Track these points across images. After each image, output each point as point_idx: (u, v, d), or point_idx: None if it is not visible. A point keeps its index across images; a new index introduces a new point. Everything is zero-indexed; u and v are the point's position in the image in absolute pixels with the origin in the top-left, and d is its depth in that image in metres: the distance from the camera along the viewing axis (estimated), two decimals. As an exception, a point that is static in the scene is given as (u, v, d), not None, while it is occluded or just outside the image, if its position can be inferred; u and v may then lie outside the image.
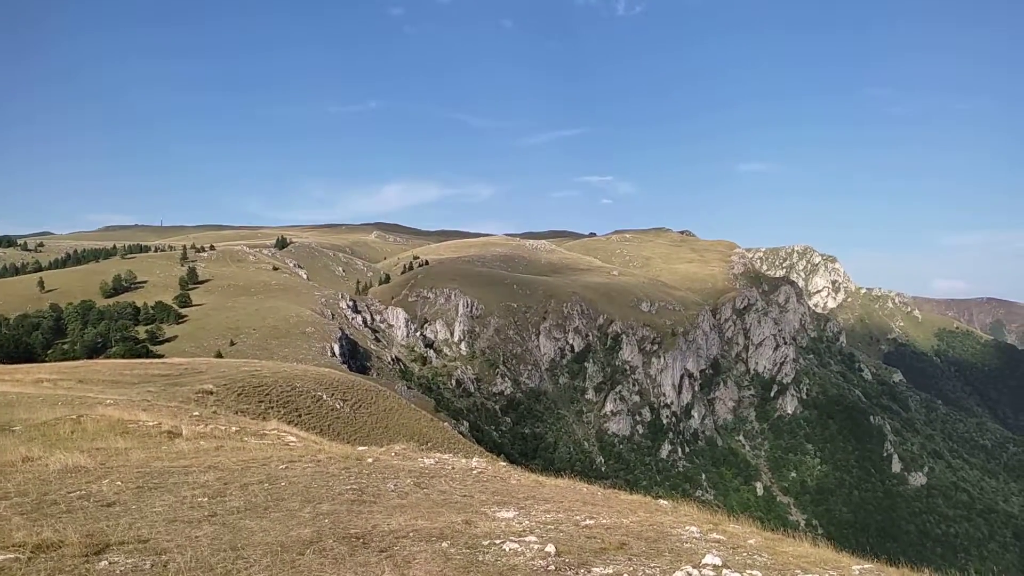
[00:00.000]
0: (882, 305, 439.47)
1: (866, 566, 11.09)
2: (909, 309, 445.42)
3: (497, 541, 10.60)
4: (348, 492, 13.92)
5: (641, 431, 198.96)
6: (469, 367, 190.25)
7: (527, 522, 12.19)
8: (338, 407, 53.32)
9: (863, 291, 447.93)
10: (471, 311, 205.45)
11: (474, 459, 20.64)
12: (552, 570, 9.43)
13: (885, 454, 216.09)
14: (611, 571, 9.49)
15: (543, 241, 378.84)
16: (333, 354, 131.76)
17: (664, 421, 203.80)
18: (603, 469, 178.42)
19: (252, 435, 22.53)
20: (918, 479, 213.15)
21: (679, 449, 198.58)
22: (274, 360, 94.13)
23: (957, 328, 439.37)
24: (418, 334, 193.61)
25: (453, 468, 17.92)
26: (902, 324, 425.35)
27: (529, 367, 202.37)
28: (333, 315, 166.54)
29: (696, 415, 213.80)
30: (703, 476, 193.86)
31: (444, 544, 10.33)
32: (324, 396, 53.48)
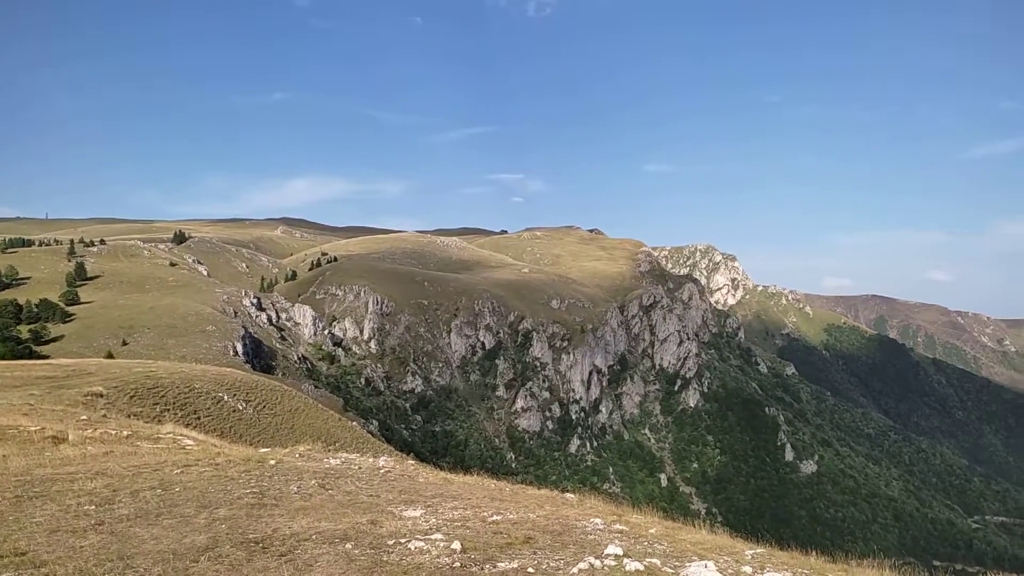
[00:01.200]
0: (777, 302, 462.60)
1: (758, 551, 11.68)
2: (801, 305, 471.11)
3: (403, 540, 10.53)
4: (248, 496, 13.51)
5: (551, 427, 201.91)
6: (379, 365, 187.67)
7: (434, 520, 12.17)
8: (240, 408, 51.52)
9: (760, 288, 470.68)
10: (381, 308, 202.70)
11: (382, 458, 20.42)
12: (457, 567, 9.45)
13: (779, 443, 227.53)
14: (516, 565, 9.60)
15: (454, 238, 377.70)
16: (236, 353, 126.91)
17: (573, 416, 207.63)
18: (513, 465, 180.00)
19: (145, 439, 21.56)
20: (809, 467, 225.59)
21: (587, 444, 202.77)
22: (171, 360, 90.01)
23: (844, 323, 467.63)
24: (326, 332, 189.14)
25: (360, 468, 17.69)
26: (794, 320, 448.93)
27: (440, 364, 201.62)
28: (236, 313, 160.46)
29: (604, 410, 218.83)
30: (610, 469, 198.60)
31: (348, 545, 10.18)
32: (225, 397, 51.56)
